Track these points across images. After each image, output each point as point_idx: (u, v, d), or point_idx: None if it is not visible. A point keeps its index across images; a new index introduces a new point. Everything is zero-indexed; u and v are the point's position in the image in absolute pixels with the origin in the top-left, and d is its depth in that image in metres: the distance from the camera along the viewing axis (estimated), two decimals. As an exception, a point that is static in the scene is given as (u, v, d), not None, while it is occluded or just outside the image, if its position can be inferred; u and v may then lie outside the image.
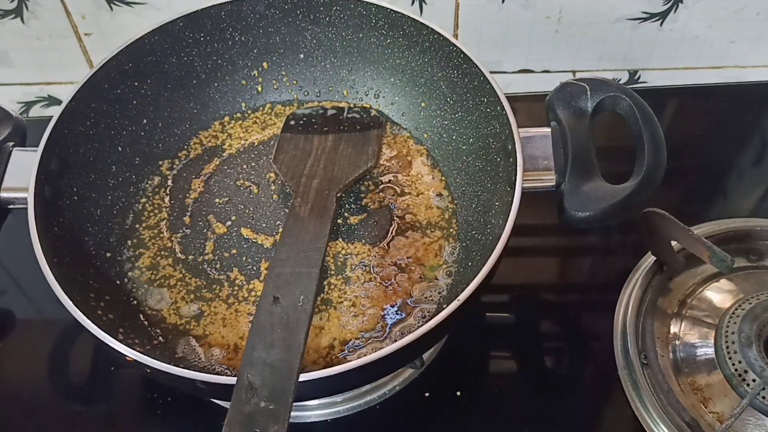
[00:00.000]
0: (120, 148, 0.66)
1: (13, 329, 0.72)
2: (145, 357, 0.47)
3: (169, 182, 0.69)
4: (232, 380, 0.46)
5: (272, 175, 0.70)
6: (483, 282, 0.49)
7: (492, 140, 0.61)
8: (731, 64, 0.89)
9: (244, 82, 0.73)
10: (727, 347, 0.61)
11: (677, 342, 0.65)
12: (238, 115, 0.74)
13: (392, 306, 0.61)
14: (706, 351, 0.63)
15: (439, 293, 0.62)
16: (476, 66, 0.61)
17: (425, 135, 0.71)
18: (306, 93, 0.74)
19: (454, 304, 0.48)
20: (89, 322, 0.49)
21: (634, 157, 0.56)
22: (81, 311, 0.49)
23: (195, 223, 0.67)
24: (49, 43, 0.84)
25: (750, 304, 0.63)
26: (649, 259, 0.69)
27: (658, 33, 0.84)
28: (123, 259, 0.63)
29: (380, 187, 0.68)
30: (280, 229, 0.66)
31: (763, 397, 0.59)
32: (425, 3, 0.80)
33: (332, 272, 0.63)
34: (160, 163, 0.70)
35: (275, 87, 0.74)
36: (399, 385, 0.64)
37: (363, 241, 0.64)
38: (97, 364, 0.67)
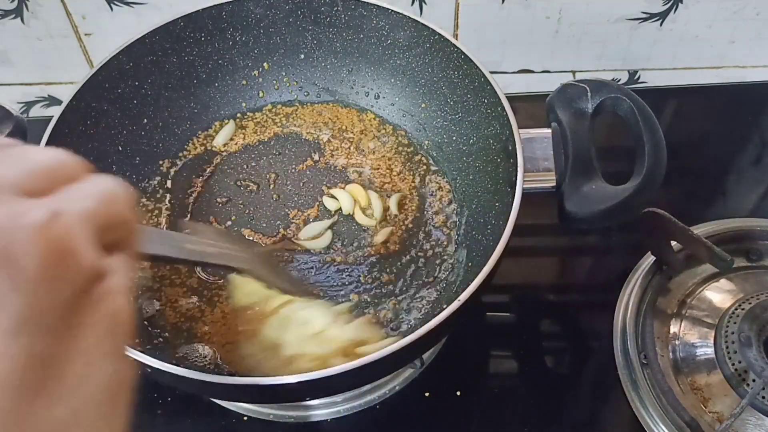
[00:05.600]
0: (120, 148, 0.66)
1: (14, 329, 0.72)
2: (145, 357, 0.47)
3: (169, 182, 0.69)
4: (232, 380, 0.46)
5: (272, 175, 0.70)
6: (483, 282, 0.50)
7: (492, 141, 0.61)
8: (731, 64, 0.89)
9: (244, 82, 0.73)
10: (727, 347, 0.61)
11: (677, 342, 0.65)
12: (239, 115, 0.74)
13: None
14: (706, 351, 0.63)
15: (440, 293, 0.62)
16: (476, 66, 0.61)
17: (425, 136, 0.71)
18: (306, 93, 0.74)
19: (455, 305, 0.48)
20: (90, 322, 0.49)
21: (634, 158, 0.56)
22: (82, 311, 0.49)
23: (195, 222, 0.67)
24: (49, 43, 0.84)
25: (750, 304, 0.63)
26: (649, 259, 0.69)
27: (658, 33, 0.84)
28: (123, 259, 0.63)
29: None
30: (281, 230, 0.66)
31: (763, 397, 0.59)
32: (425, 3, 0.80)
33: (332, 272, 0.63)
34: (161, 162, 0.70)
35: (276, 87, 0.74)
36: (399, 385, 0.64)
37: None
38: (98, 364, 0.67)
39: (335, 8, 0.68)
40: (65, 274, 0.20)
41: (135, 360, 0.47)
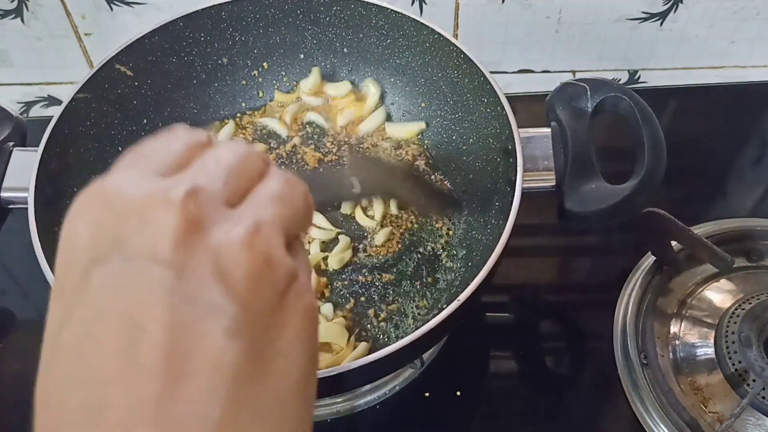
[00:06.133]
0: (120, 148, 0.66)
1: (13, 329, 0.72)
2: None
3: (170, 182, 0.69)
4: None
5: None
6: (483, 282, 0.50)
7: (492, 140, 0.61)
8: (731, 64, 0.89)
9: (244, 82, 0.73)
10: (727, 347, 0.61)
11: (677, 342, 0.65)
12: (239, 115, 0.74)
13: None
14: (706, 351, 0.63)
15: (440, 293, 0.62)
16: (476, 66, 0.61)
17: (425, 135, 0.71)
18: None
19: (454, 304, 0.48)
20: (89, 322, 0.49)
21: (634, 157, 0.56)
22: (81, 311, 0.49)
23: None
24: (49, 43, 0.84)
25: (750, 304, 0.63)
26: (649, 259, 0.69)
27: (658, 33, 0.84)
28: (123, 259, 0.63)
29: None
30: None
31: (763, 397, 0.59)
32: (425, 3, 0.80)
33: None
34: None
35: (276, 87, 0.74)
36: (399, 385, 0.64)
37: (363, 241, 0.65)
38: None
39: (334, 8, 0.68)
40: (269, 281, 0.24)
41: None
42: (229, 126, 0.72)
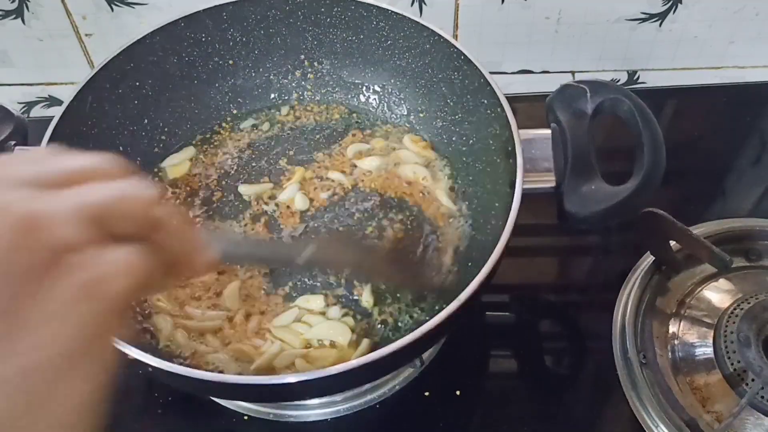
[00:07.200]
0: (121, 148, 0.66)
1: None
2: (147, 356, 0.47)
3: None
4: (234, 379, 0.46)
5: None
6: (483, 282, 0.50)
7: (492, 141, 0.62)
8: (731, 65, 0.89)
9: (244, 82, 0.73)
10: (726, 347, 0.62)
11: (676, 342, 0.65)
12: (239, 115, 0.74)
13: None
14: (705, 351, 0.63)
15: (440, 293, 0.62)
16: (476, 67, 0.61)
17: (425, 136, 0.71)
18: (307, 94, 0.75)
19: (455, 304, 0.49)
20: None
21: (633, 158, 0.56)
22: (83, 311, 0.49)
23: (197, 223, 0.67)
24: (49, 43, 0.85)
25: (749, 303, 0.63)
26: (648, 259, 0.69)
27: (658, 33, 0.85)
28: (124, 259, 0.63)
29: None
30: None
31: (762, 397, 0.59)
32: (425, 4, 0.80)
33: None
34: (161, 163, 0.70)
35: (276, 88, 0.74)
36: (399, 385, 0.64)
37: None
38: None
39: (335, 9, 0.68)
40: (31, 245, 0.24)
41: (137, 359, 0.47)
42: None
